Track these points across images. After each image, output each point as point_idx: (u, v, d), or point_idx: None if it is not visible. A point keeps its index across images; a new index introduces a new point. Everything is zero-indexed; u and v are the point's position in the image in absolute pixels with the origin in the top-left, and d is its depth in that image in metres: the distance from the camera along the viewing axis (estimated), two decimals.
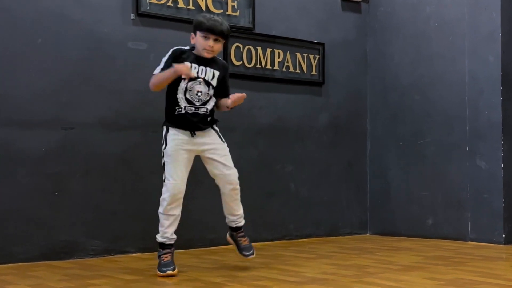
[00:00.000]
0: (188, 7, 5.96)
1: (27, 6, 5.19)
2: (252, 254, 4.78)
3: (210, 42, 4.43)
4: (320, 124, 6.93)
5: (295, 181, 6.72)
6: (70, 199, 5.34)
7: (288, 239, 6.59)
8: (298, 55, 6.74)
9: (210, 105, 4.59)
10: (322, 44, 6.92)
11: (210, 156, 4.61)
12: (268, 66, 6.52)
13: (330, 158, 7.00)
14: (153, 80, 4.49)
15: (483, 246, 6.03)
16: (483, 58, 6.33)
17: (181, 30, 5.91)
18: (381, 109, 7.23)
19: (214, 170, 4.65)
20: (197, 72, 4.47)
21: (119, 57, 5.62)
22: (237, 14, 6.27)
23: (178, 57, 4.45)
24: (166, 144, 4.52)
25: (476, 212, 6.33)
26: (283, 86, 6.57)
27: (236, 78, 5.90)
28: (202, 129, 4.57)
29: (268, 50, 6.52)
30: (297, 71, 6.71)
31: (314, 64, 6.87)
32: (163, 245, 4.54)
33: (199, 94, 4.51)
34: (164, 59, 4.51)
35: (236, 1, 6.26)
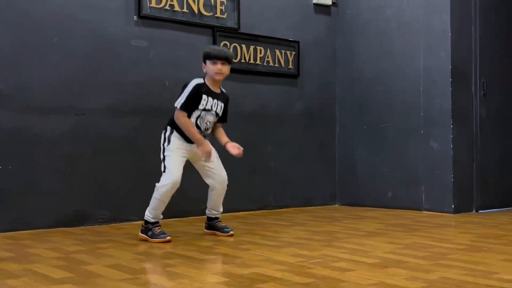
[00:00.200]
0: (182, 10, 5.94)
1: (42, 8, 5.17)
2: (231, 230, 4.75)
3: (219, 66, 4.49)
4: (295, 111, 6.94)
5: (274, 160, 6.73)
6: (81, 175, 5.35)
7: (268, 209, 6.61)
8: (277, 51, 6.74)
9: (209, 131, 4.65)
10: (298, 42, 6.92)
11: (205, 162, 4.62)
12: (251, 61, 6.52)
13: (304, 140, 7.02)
14: (184, 125, 4.45)
15: (436, 215, 6.06)
16: (436, 54, 6.34)
17: (177, 30, 5.93)
18: (348, 99, 7.23)
19: (207, 172, 4.67)
20: (211, 105, 4.52)
21: (123, 53, 5.61)
22: (225, 16, 6.27)
23: (197, 92, 4.45)
24: (169, 142, 4.50)
25: (429, 186, 6.37)
26: (264, 78, 6.58)
27: None
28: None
29: (251, 47, 6.52)
30: (276, 65, 6.71)
31: (290, 59, 6.87)
32: (154, 222, 4.52)
33: (208, 123, 4.56)
34: (186, 93, 4.45)
35: (224, 5, 6.25)
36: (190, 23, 6.02)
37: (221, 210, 4.85)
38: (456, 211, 6.18)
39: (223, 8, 6.25)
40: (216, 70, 4.50)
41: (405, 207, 6.57)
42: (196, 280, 3.09)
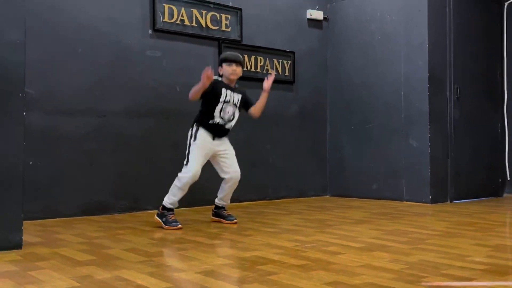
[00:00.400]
0: (192, 24, 5.93)
1: (69, 23, 5.15)
2: (235, 218, 4.77)
3: (234, 67, 4.65)
4: (291, 112, 6.92)
5: (273, 156, 6.72)
6: (102, 169, 5.33)
7: (268, 200, 6.60)
8: (275, 60, 6.72)
9: (233, 122, 4.71)
10: (293, 53, 6.90)
11: (223, 157, 4.68)
12: (252, 69, 6.50)
13: (299, 138, 7.00)
14: (191, 94, 4.51)
15: (415, 205, 6.05)
16: (415, 63, 6.33)
17: (187, 42, 5.91)
18: (337, 102, 7.21)
19: (224, 168, 4.70)
20: (229, 98, 4.61)
21: (139, 62, 5.59)
22: (229, 29, 6.25)
23: (214, 83, 4.52)
24: (195, 139, 4.53)
25: (409, 179, 6.36)
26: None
27: None
28: (221, 136, 4.66)
29: (252, 57, 6.50)
30: (274, 72, 6.68)
31: (287, 67, 6.85)
32: (170, 209, 4.53)
33: (229, 113, 4.61)
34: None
35: (228, 20, 6.24)
36: (199, 36, 6.00)
37: (229, 202, 4.88)
38: (433, 201, 6.17)
39: (227, 22, 6.24)
40: (231, 70, 4.65)
41: (388, 197, 6.55)
42: (204, 262, 3.08)
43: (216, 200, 4.85)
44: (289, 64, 6.87)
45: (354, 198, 6.85)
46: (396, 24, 6.55)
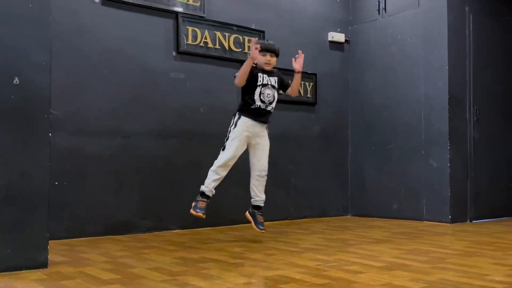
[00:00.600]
0: (215, 46, 5.97)
1: (94, 46, 5.20)
2: (264, 229, 4.76)
3: (268, 57, 4.75)
4: (313, 134, 6.91)
5: (295, 176, 6.70)
6: (127, 189, 5.35)
7: (290, 219, 6.57)
8: None
9: (274, 104, 4.81)
10: (315, 74, 6.91)
11: (257, 147, 4.74)
12: None
13: (321, 159, 6.98)
14: (237, 77, 4.63)
15: (435, 225, 6.00)
16: (435, 84, 6.31)
17: (211, 64, 5.94)
18: (358, 123, 7.21)
19: (253, 158, 4.77)
20: (266, 80, 4.72)
21: (163, 83, 5.63)
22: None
23: (251, 70, 4.62)
24: (235, 126, 4.65)
25: (429, 199, 6.31)
26: (287, 105, 6.52)
27: None
28: (264, 122, 4.75)
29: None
30: (297, 94, 6.68)
31: (309, 89, 6.86)
32: (203, 194, 4.58)
33: (268, 95, 4.73)
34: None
35: (251, 42, 6.26)
36: (222, 58, 6.03)
37: (263, 197, 4.83)
38: (453, 221, 6.12)
39: (250, 44, 6.25)
40: (265, 60, 4.74)
41: (408, 217, 6.51)
42: (227, 281, 3.08)
43: (252, 200, 4.85)
44: (311, 86, 6.88)
45: (375, 218, 6.80)
46: (417, 46, 6.55)
